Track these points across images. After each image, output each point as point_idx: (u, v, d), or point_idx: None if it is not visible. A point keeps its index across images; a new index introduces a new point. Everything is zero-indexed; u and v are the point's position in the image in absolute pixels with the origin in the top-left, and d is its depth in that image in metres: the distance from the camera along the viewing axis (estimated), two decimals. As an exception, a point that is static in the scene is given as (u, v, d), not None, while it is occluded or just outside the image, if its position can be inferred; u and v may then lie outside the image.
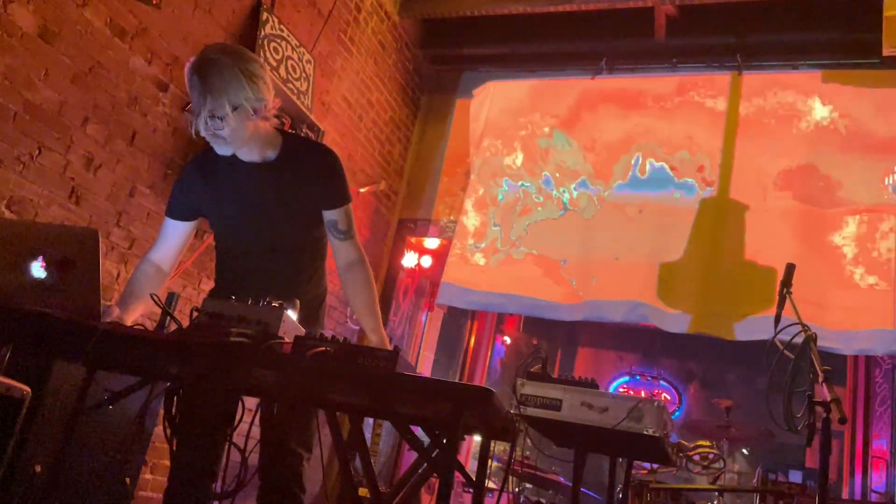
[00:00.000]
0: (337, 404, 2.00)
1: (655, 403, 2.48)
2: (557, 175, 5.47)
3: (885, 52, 4.41)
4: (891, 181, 4.59)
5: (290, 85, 4.47)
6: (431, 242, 5.95)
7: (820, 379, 2.09)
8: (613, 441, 2.70)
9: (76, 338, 1.90)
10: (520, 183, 5.56)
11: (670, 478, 4.78)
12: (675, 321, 4.68)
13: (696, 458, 4.69)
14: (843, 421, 1.99)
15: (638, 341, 8.59)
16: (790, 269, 2.50)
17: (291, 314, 1.86)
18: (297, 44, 4.61)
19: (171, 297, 2.47)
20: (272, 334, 1.76)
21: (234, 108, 2.09)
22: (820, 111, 4.92)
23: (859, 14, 4.74)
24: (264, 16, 4.28)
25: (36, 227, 2.54)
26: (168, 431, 2.16)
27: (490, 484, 4.91)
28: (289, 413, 2.21)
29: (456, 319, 6.54)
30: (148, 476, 3.68)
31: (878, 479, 5.07)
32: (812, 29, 5.02)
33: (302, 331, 1.88)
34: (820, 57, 5.06)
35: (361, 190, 5.41)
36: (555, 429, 2.75)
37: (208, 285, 3.89)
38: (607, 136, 5.43)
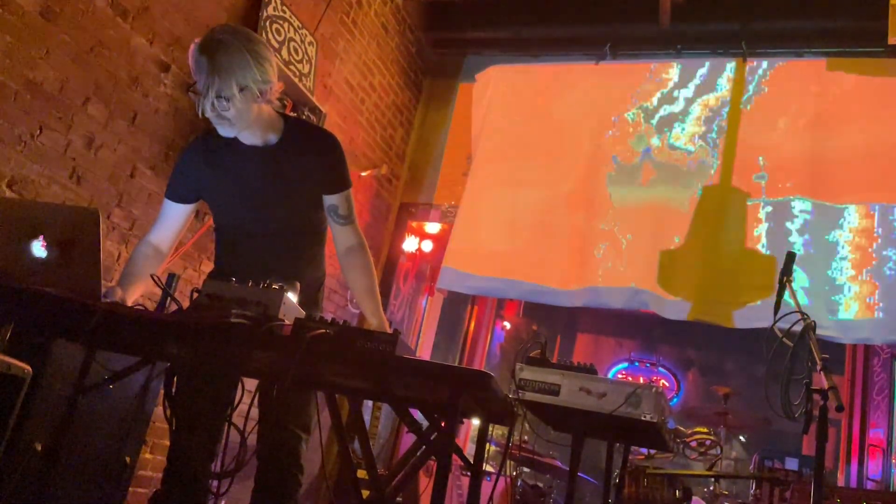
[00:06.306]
0: (336, 387, 2.01)
1: (653, 389, 2.49)
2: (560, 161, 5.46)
3: (891, 40, 4.39)
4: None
5: (292, 67, 4.45)
6: (432, 227, 5.94)
7: (818, 367, 2.09)
8: (611, 426, 2.72)
9: (77, 317, 1.90)
10: (522, 169, 5.55)
11: (667, 463, 4.80)
12: (675, 308, 4.69)
13: (694, 444, 4.71)
14: (840, 409, 2.00)
15: (637, 328, 8.60)
16: (790, 257, 2.50)
17: (291, 297, 1.86)
18: (300, 25, 4.58)
19: (172, 278, 2.48)
20: (272, 316, 1.76)
21: (241, 89, 2.08)
22: (824, 100, 4.90)
23: (865, 2, 4.71)
24: (267, -3, 4.26)
25: (37, 207, 2.54)
26: (168, 412, 2.17)
27: (488, 467, 4.94)
28: (288, 395, 2.22)
29: (456, 304, 6.55)
30: (148, 455, 3.70)
31: (874, 468, 5.09)
32: (817, 16, 4.99)
33: (302, 313, 1.89)
34: (825, 45, 5.03)
35: (363, 174, 5.40)
36: (553, 413, 2.76)
37: (208, 267, 3.89)
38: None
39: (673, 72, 5.38)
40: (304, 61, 4.60)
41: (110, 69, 3.40)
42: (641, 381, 6.93)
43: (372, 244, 2.44)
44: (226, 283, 1.83)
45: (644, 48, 5.53)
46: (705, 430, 4.77)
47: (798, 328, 2.25)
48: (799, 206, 4.72)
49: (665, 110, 5.29)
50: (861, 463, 5.18)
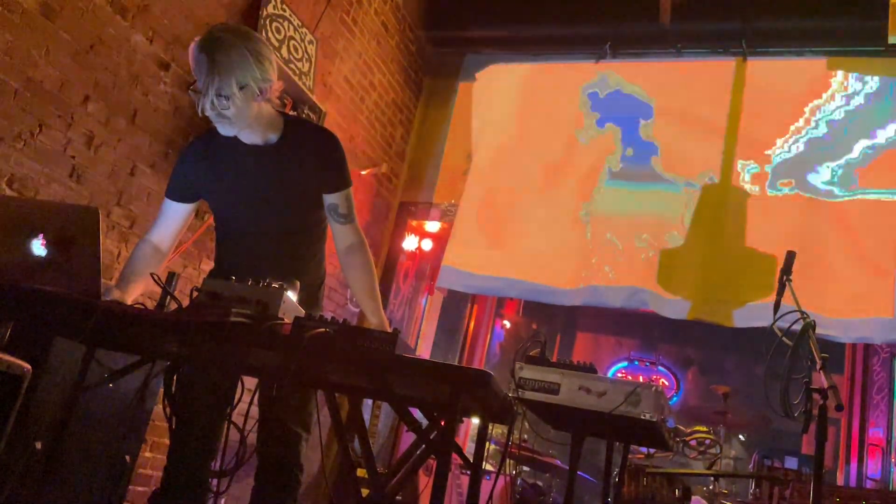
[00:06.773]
0: (336, 385, 2.01)
1: (653, 388, 2.49)
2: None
3: (891, 38, 4.39)
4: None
5: (292, 65, 4.45)
6: (432, 226, 5.93)
7: (818, 366, 2.09)
8: (611, 425, 2.72)
9: (76, 316, 1.90)
10: (522, 167, 5.54)
11: (667, 462, 4.81)
12: (675, 307, 4.69)
13: (693, 443, 4.72)
14: (839, 408, 2.00)
15: (637, 327, 8.61)
16: (790, 256, 2.51)
17: (291, 295, 1.86)
18: (300, 24, 4.58)
19: (172, 277, 2.48)
20: (272, 315, 1.76)
21: (241, 88, 2.08)
22: (824, 98, 4.90)
23: (865, 1, 4.70)
24: (267, -5, 4.25)
25: (36, 205, 2.54)
26: (167, 410, 2.17)
27: (487, 466, 4.94)
28: (287, 393, 2.22)
29: (456, 303, 6.55)
30: (147, 454, 3.70)
31: (873, 467, 5.10)
32: (818, 15, 4.99)
33: (302, 312, 1.89)
34: (825, 43, 5.03)
35: (363, 172, 5.40)
36: (552, 412, 2.76)
37: (208, 265, 3.89)
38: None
39: (672, 69, 5.38)
40: (304, 60, 4.60)
41: (110, 67, 3.40)
42: (641, 379, 6.94)
43: (372, 243, 2.44)
44: (226, 282, 1.82)
45: (644, 47, 5.53)
46: (705, 429, 4.77)
47: (798, 327, 2.25)
48: (799, 204, 4.72)
49: (664, 108, 5.29)
50: (860, 462, 5.19)
